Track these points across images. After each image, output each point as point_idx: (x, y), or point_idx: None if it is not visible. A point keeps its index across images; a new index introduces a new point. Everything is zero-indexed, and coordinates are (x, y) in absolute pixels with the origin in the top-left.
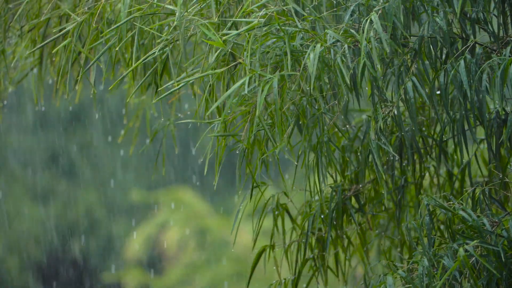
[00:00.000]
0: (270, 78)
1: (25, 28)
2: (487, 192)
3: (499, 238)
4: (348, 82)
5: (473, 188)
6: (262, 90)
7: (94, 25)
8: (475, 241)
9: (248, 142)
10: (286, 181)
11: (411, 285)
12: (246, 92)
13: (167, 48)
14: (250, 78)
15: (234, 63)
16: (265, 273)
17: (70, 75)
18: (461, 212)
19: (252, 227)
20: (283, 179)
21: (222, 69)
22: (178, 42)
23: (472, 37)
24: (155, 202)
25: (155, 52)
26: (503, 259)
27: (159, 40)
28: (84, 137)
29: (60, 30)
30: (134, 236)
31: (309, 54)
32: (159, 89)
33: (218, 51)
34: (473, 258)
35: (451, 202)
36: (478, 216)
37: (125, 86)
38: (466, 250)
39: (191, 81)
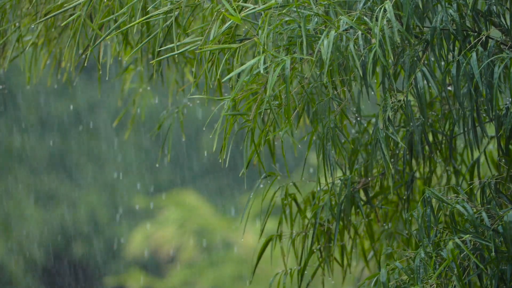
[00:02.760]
0: (282, 59)
1: (42, 13)
2: (493, 186)
3: (495, 234)
4: (360, 69)
5: (480, 182)
6: (274, 71)
7: (106, 1)
8: (468, 235)
9: (255, 121)
10: (298, 173)
11: (407, 276)
12: (261, 71)
13: (172, 13)
14: (263, 57)
15: (248, 40)
16: (271, 264)
17: (75, 52)
18: (457, 206)
19: (255, 228)
20: (286, 164)
21: (237, 45)
22: (183, 8)
23: (484, 31)
24: (158, 204)
25: (159, 14)
26: (493, 255)
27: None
28: (87, 138)
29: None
30: (137, 238)
31: (323, 40)
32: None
33: (228, 23)
34: (465, 252)
35: (456, 195)
36: (477, 211)
37: (126, 71)
38: (457, 244)
39: (192, 49)
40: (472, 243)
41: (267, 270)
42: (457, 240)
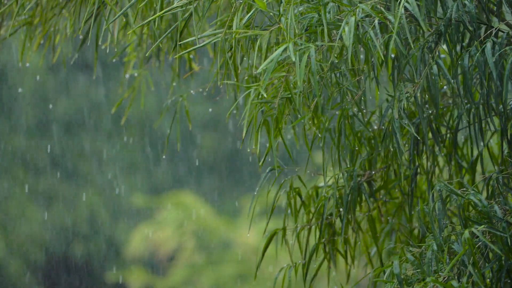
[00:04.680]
0: (307, 46)
1: None
2: (500, 180)
3: (509, 226)
4: (382, 56)
5: (488, 176)
6: (301, 58)
7: None
8: (483, 226)
9: (279, 108)
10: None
11: (419, 269)
12: (292, 57)
13: (191, 5)
14: (291, 44)
15: (273, 27)
16: (274, 263)
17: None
18: (471, 197)
19: (256, 227)
20: (309, 152)
21: (265, 31)
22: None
23: (496, 23)
24: (158, 204)
25: (177, 7)
26: (509, 245)
27: None
28: (87, 139)
29: None
30: (137, 238)
31: (343, 27)
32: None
33: (251, 12)
34: (480, 244)
35: (465, 189)
36: (489, 203)
37: (126, 59)
38: (473, 234)
39: (215, 40)
40: (487, 235)
41: (267, 270)
42: (474, 230)
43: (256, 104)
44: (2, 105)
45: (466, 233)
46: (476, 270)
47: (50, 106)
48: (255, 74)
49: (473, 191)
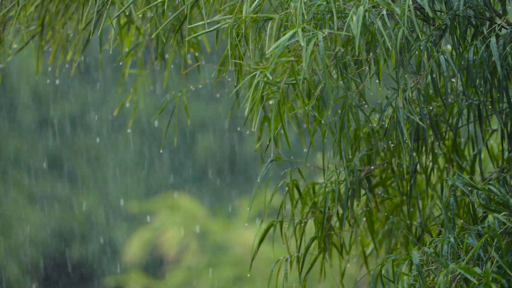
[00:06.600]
0: (315, 33)
1: None
2: (508, 180)
3: None
4: (389, 46)
5: (490, 174)
6: (308, 44)
7: None
8: (504, 212)
9: (281, 93)
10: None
11: (438, 263)
12: (301, 42)
13: None
14: (300, 30)
15: (284, 11)
16: (274, 251)
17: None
18: (490, 187)
19: (254, 228)
20: (312, 142)
21: (276, 15)
22: None
23: (497, 19)
24: (155, 206)
25: None
26: None
27: None
28: (84, 140)
29: None
30: (134, 240)
31: (351, 16)
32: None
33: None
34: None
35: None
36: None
37: (120, 58)
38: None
39: (224, 26)
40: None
41: (265, 270)
42: (498, 216)
43: (260, 88)
44: (1, 106)
45: (490, 217)
46: (500, 251)
47: (49, 107)
48: (254, 70)
49: (491, 182)
